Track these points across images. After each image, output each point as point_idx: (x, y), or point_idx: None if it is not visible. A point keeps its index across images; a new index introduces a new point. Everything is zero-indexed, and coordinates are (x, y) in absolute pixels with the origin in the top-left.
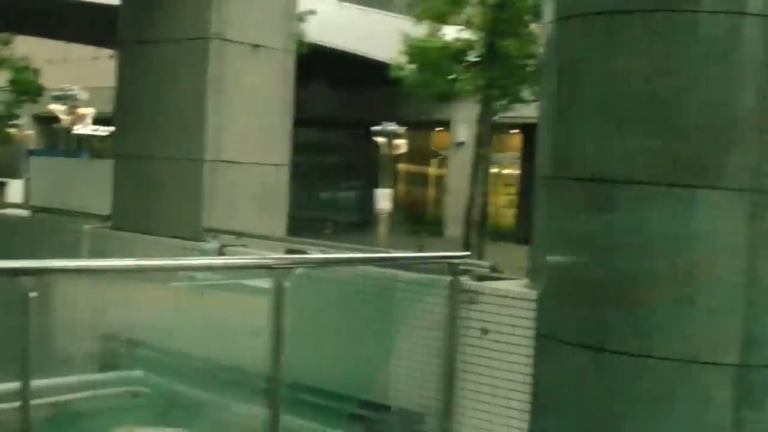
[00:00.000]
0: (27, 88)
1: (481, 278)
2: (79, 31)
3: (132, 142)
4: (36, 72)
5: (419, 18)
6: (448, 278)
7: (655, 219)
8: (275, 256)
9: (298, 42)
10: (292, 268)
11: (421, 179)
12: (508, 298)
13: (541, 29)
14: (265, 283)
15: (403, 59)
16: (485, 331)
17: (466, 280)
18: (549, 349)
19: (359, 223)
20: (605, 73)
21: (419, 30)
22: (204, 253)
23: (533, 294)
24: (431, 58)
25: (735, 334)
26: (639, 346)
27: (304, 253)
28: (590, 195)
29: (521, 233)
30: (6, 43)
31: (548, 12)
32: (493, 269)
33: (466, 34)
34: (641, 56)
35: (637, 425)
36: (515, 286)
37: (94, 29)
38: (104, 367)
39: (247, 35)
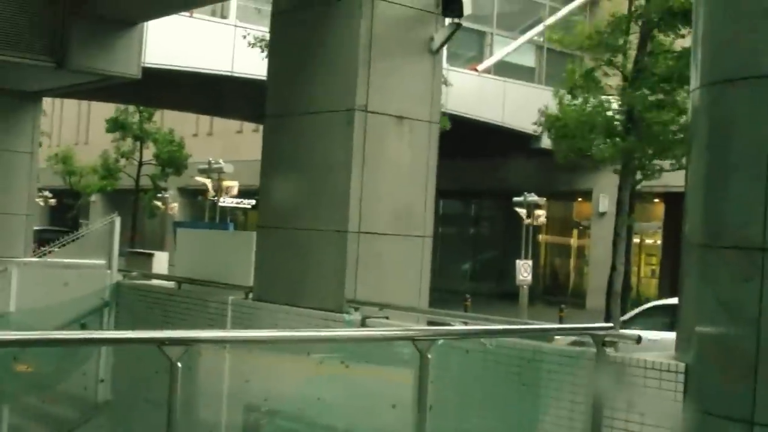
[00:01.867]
0: (172, 159)
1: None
2: (225, 105)
3: (276, 213)
4: (181, 144)
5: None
6: (593, 350)
7: None
8: (417, 327)
9: (442, 114)
10: (434, 339)
11: (563, 250)
12: (655, 370)
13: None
14: (407, 355)
15: (542, 128)
16: (632, 404)
17: (611, 352)
18: (697, 423)
19: (500, 294)
20: (755, 137)
21: (562, 101)
22: (347, 324)
23: (681, 366)
24: (570, 127)
25: None
26: None
27: (447, 324)
28: (741, 262)
29: None
30: (149, 117)
31: (695, 77)
32: (639, 341)
33: (613, 105)
34: None
35: None
36: (662, 357)
37: (239, 103)
38: None
39: (391, 107)
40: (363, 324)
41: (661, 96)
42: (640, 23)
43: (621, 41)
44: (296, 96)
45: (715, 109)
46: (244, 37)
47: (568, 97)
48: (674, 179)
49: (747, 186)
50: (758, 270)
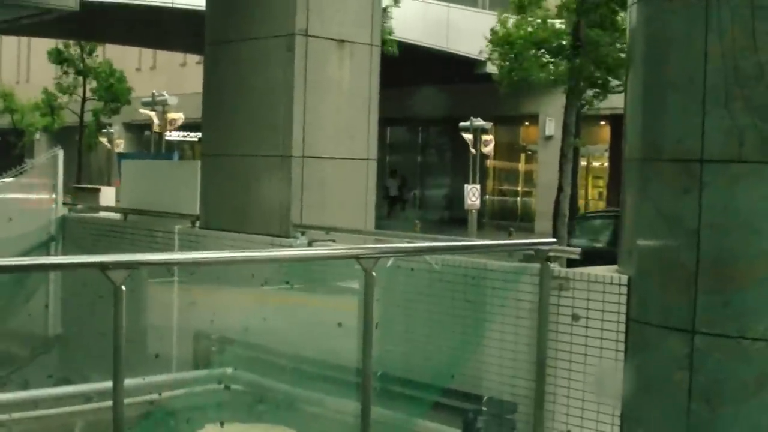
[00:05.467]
0: (113, 93)
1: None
2: (167, 37)
3: (220, 141)
4: (121, 77)
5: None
6: (537, 265)
7: (745, 197)
8: (363, 246)
9: (384, 38)
10: (379, 257)
11: (511, 174)
12: (599, 283)
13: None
14: (353, 283)
15: (489, 52)
16: (576, 317)
17: (555, 267)
18: (640, 334)
19: (450, 219)
20: (692, 51)
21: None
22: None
23: (624, 278)
24: (516, 48)
25: None
26: (732, 327)
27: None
28: (679, 175)
29: None
30: (90, 52)
31: None
32: (582, 255)
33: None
34: (725, 33)
35: (731, 409)
36: (605, 271)
37: (181, 35)
38: (196, 365)
39: (332, 30)
40: (310, 247)
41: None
42: None
43: None
44: (235, 22)
45: (652, 24)
46: None
47: (513, 20)
48: (620, 101)
49: (684, 100)
50: (696, 181)
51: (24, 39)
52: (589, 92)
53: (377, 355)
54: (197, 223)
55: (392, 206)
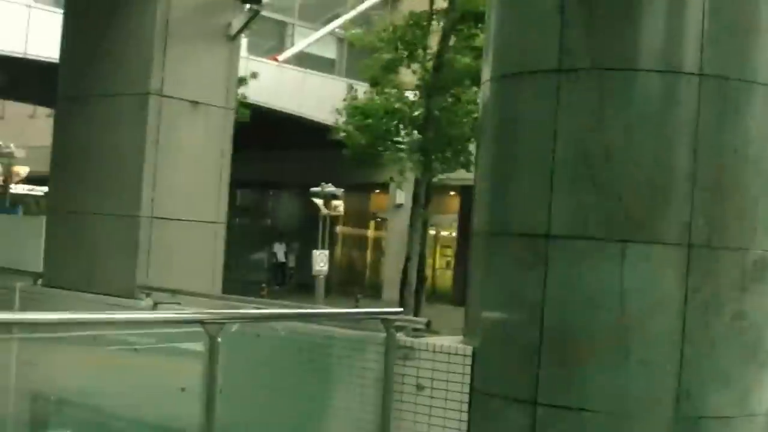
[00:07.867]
0: None
1: (417, 335)
2: (17, 88)
3: (67, 198)
4: None
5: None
6: (383, 334)
7: (588, 274)
8: (208, 311)
9: (240, 103)
10: (225, 323)
11: (360, 242)
12: (443, 354)
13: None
14: (197, 345)
15: (342, 121)
16: (420, 387)
17: (401, 336)
18: (484, 404)
19: (298, 285)
20: (540, 131)
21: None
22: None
23: (468, 349)
24: (370, 121)
25: (668, 387)
26: (573, 399)
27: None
28: (525, 251)
29: (459, 295)
30: None
31: (486, 70)
32: (429, 326)
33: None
34: (575, 114)
35: None
36: (450, 341)
37: (32, 87)
38: (33, 428)
39: (186, 92)
40: (154, 309)
41: (455, 94)
42: (442, 21)
43: (420, 37)
44: (89, 79)
45: (504, 101)
46: None
47: (364, 89)
48: (470, 173)
49: (533, 177)
50: (542, 257)
51: None
52: (439, 164)
53: (221, 422)
54: (39, 281)
55: (281, 273)
